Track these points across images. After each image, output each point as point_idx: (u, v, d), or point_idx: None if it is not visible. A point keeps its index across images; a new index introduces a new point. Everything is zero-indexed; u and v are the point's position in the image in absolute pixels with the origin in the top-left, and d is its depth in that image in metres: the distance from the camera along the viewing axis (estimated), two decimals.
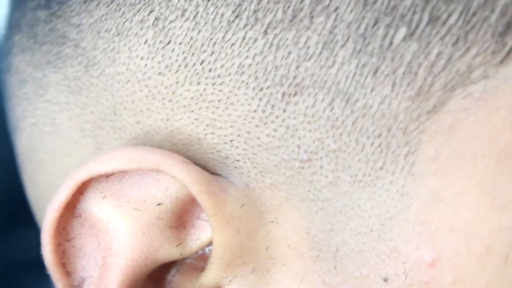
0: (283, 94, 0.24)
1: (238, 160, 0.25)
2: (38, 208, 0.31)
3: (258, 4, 0.24)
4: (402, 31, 0.23)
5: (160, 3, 0.25)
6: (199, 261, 0.26)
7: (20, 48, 0.29)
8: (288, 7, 0.24)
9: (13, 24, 0.30)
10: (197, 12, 0.25)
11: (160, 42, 0.25)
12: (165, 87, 0.25)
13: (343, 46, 0.24)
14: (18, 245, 0.81)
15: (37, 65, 0.28)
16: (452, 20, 0.23)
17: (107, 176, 0.26)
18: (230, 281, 0.25)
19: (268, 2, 0.24)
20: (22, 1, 0.29)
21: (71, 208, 0.26)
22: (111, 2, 0.26)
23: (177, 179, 0.25)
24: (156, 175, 0.25)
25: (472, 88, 0.23)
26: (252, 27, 0.24)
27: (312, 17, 0.24)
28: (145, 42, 0.25)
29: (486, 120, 0.23)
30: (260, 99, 0.24)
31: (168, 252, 0.26)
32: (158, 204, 0.25)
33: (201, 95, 0.25)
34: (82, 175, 0.25)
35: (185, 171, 0.25)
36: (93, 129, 0.27)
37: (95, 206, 0.26)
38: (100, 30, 0.26)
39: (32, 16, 0.28)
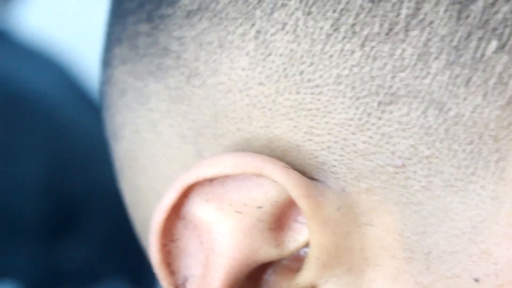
0: (379, 103, 0.26)
1: (334, 166, 0.27)
2: (136, 211, 0.32)
3: (356, 18, 0.25)
4: (494, 44, 0.24)
5: (261, 17, 0.27)
6: (294, 262, 0.28)
7: (121, 60, 0.31)
8: (385, 21, 0.25)
9: (113, 38, 0.32)
10: (297, 26, 0.26)
11: (261, 54, 0.27)
12: (265, 97, 0.27)
13: (436, 57, 0.25)
14: (63, 255, 0.83)
15: (138, 76, 0.30)
16: None
17: (211, 180, 0.27)
18: (326, 281, 0.27)
19: (365, 17, 0.25)
20: (122, 16, 0.31)
21: (176, 210, 0.27)
22: (214, 16, 0.28)
23: (277, 183, 0.26)
24: (257, 179, 0.27)
25: None
26: (350, 39, 0.26)
27: (407, 31, 0.25)
28: (247, 54, 0.27)
29: None
30: (356, 108, 0.26)
31: (267, 252, 0.27)
32: (258, 207, 0.27)
33: (299, 104, 0.27)
34: (189, 179, 0.27)
35: (286, 176, 0.26)
36: (194, 136, 0.29)
37: (199, 208, 0.27)
38: (202, 43, 0.28)
39: (133, 30, 0.30)
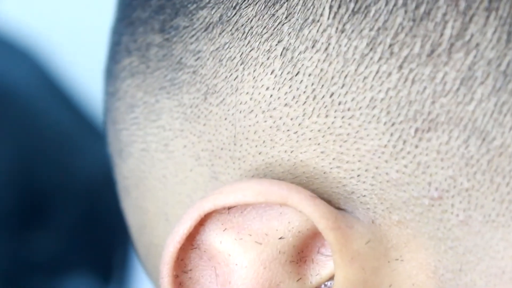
0: (416, 130, 0.24)
1: (364, 196, 0.25)
2: (142, 235, 0.30)
3: (395, 37, 0.23)
4: None
5: (289, 33, 0.25)
6: None
7: (130, 72, 0.29)
8: (426, 42, 0.23)
9: (121, 48, 0.29)
10: (329, 44, 0.24)
11: (288, 73, 0.25)
12: (291, 119, 0.25)
13: (482, 83, 0.23)
14: (32, 246, 0.81)
15: (149, 90, 0.28)
16: None
17: (229, 207, 0.25)
18: None
19: (405, 36, 0.23)
20: (132, 25, 0.29)
21: (191, 239, 0.25)
22: (236, 30, 0.25)
23: (303, 213, 0.24)
24: (279, 208, 0.25)
25: None
26: (387, 60, 0.24)
27: (450, 53, 0.23)
28: (272, 72, 0.25)
29: None
30: (391, 134, 0.24)
31: (288, 287, 0.25)
32: (280, 238, 0.25)
33: (328, 128, 0.25)
34: (206, 207, 0.25)
35: (312, 206, 0.24)
36: (210, 158, 0.27)
37: (216, 238, 0.25)
38: (223, 58, 0.26)
39: (144, 40, 0.28)
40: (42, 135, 0.86)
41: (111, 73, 0.30)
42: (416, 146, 0.24)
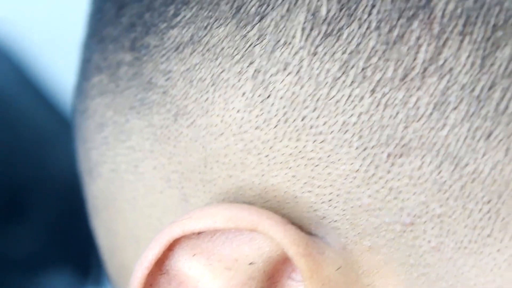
0: (389, 155, 0.23)
1: (336, 221, 0.24)
2: (112, 257, 0.30)
3: (367, 61, 0.23)
4: None
5: (261, 55, 0.24)
6: None
7: (99, 91, 0.28)
8: (399, 66, 0.23)
9: (91, 66, 0.29)
10: (301, 67, 0.24)
11: (259, 96, 0.24)
12: (262, 142, 0.24)
13: (455, 108, 0.23)
14: (9, 243, 0.81)
15: (119, 110, 0.27)
16: None
17: (199, 233, 0.25)
18: None
19: (378, 60, 0.23)
20: (102, 42, 0.28)
21: (159, 264, 0.25)
22: (207, 51, 0.25)
23: (273, 239, 0.24)
24: (250, 233, 0.24)
25: None
26: (359, 84, 0.23)
27: (424, 77, 0.23)
28: (243, 94, 0.24)
29: None
30: (363, 159, 0.24)
31: None
32: (250, 264, 0.24)
33: (300, 152, 0.24)
34: (175, 232, 0.24)
35: (283, 232, 0.24)
36: (180, 180, 0.26)
37: (185, 263, 0.25)
38: (193, 79, 0.25)
39: (114, 58, 0.27)
40: (19, 132, 0.85)
41: (81, 90, 0.30)
42: (388, 171, 0.23)
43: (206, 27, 0.25)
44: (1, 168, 0.84)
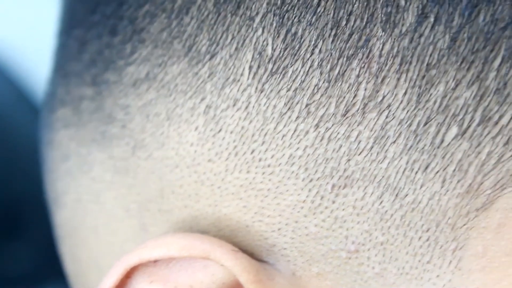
0: (333, 186, 0.25)
1: (285, 248, 0.26)
2: (77, 283, 0.31)
3: (311, 98, 0.24)
4: (454, 130, 0.23)
5: (212, 92, 0.25)
6: None
7: (63, 123, 0.29)
8: (341, 102, 0.24)
9: (55, 99, 0.30)
10: (249, 103, 0.25)
11: (210, 130, 0.25)
12: (214, 174, 0.26)
13: (394, 142, 0.24)
14: (6, 259, 0.81)
15: (81, 142, 0.29)
16: (504, 121, 0.23)
17: (155, 261, 0.26)
18: None
19: (321, 96, 0.24)
20: (66, 77, 0.29)
21: None
22: (162, 87, 0.26)
23: (225, 266, 0.25)
24: (204, 261, 0.26)
25: None
26: (304, 119, 0.24)
27: (364, 113, 0.24)
28: (196, 129, 0.26)
29: None
30: (309, 190, 0.25)
31: None
32: None
33: (250, 183, 0.25)
34: (132, 260, 0.25)
35: (234, 260, 0.25)
36: (139, 210, 0.27)
37: None
38: (149, 114, 0.27)
39: (77, 93, 0.29)
40: (15, 149, 0.86)
41: (47, 122, 0.31)
42: (333, 202, 0.25)
43: (160, 65, 0.26)
44: None
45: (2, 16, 0.94)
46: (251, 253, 0.26)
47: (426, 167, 0.24)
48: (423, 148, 0.24)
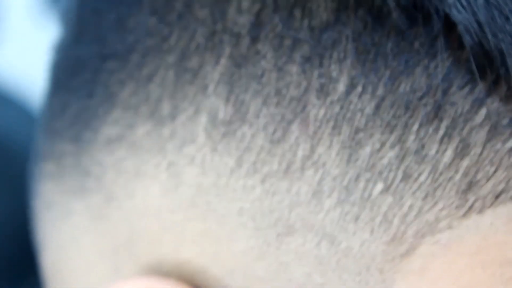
0: (278, 234, 0.28)
1: None
2: None
3: (257, 156, 0.28)
4: (380, 186, 0.27)
5: (173, 150, 0.29)
6: None
7: (48, 175, 0.33)
8: (283, 160, 0.27)
9: (41, 153, 0.34)
10: (205, 160, 0.28)
11: (172, 184, 0.29)
12: (176, 223, 0.29)
13: (329, 196, 0.27)
14: None
15: (63, 193, 0.32)
16: (422, 178, 0.26)
17: None
18: None
19: (265, 155, 0.28)
20: (50, 133, 0.33)
21: None
22: (130, 146, 0.30)
23: None
24: None
25: (439, 236, 0.26)
26: (251, 176, 0.28)
27: (303, 170, 0.27)
28: (159, 183, 0.29)
29: (451, 264, 0.26)
30: (257, 238, 0.28)
31: None
32: None
33: (206, 231, 0.29)
34: None
35: None
36: (112, 254, 0.31)
37: None
38: (120, 169, 0.30)
39: (60, 149, 0.32)
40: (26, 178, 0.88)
41: (34, 174, 0.35)
42: (278, 248, 0.28)
43: (129, 126, 0.30)
44: (20, 222, 0.87)
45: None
46: None
47: (357, 218, 0.27)
48: (354, 201, 0.27)
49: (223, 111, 0.28)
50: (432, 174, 0.26)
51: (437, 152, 0.26)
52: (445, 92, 0.26)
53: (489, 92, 0.26)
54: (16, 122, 0.90)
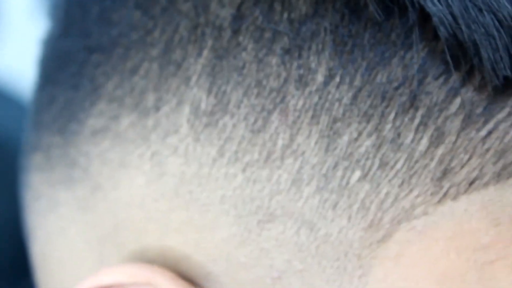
0: (259, 222, 0.28)
1: (220, 276, 0.29)
2: None
3: (239, 146, 0.28)
4: (357, 173, 0.27)
5: (156, 141, 0.30)
6: None
7: (36, 167, 0.34)
8: (263, 150, 0.28)
9: (29, 145, 0.35)
10: (187, 150, 0.29)
11: (156, 174, 0.30)
12: (160, 212, 0.30)
13: (308, 183, 0.28)
14: None
15: (50, 184, 0.33)
16: (398, 165, 0.27)
17: (107, 287, 0.30)
18: None
19: (247, 144, 0.28)
20: (38, 125, 0.34)
21: None
22: (115, 137, 0.30)
23: None
24: (147, 287, 0.30)
25: (415, 222, 0.27)
26: (233, 164, 0.28)
27: (283, 158, 0.28)
28: (143, 173, 0.30)
29: (427, 250, 0.27)
30: (239, 225, 0.29)
31: None
32: None
33: (189, 220, 0.29)
34: (86, 285, 0.30)
35: (173, 286, 0.29)
36: (98, 243, 0.31)
37: None
38: (106, 160, 0.31)
39: (47, 141, 0.33)
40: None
41: (23, 165, 0.36)
42: (259, 235, 0.29)
43: (114, 117, 0.31)
44: (18, 222, 0.88)
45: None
46: (192, 280, 0.30)
47: (335, 205, 0.28)
48: (332, 189, 0.28)
49: (205, 102, 0.29)
50: (408, 161, 0.27)
51: (412, 140, 0.27)
52: (420, 82, 0.27)
53: (463, 82, 0.27)
54: (16, 122, 0.90)
